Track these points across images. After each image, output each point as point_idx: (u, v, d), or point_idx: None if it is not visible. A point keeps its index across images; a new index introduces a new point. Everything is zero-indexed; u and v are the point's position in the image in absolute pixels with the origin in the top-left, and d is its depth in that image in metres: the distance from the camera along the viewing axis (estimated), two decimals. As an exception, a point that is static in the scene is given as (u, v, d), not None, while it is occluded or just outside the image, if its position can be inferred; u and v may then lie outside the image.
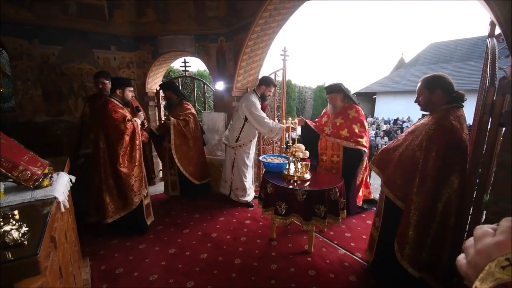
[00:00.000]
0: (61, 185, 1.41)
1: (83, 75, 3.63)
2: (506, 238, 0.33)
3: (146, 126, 3.07)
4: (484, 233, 0.38)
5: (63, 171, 1.68)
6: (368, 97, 18.67)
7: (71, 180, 1.61)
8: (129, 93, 2.74)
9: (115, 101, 2.66)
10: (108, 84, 2.95)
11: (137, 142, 2.68)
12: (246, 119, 3.32)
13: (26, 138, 2.67)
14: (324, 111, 3.34)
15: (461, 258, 0.41)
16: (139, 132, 2.72)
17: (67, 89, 3.55)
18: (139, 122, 2.77)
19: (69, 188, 1.55)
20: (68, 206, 1.40)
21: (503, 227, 0.36)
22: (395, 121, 14.37)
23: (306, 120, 3.30)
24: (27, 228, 0.95)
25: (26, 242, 0.90)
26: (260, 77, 3.87)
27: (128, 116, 2.67)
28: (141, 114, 2.90)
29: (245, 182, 3.50)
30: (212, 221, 3.14)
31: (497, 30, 2.01)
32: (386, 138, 11.21)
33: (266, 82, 3.33)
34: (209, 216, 3.26)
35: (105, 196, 2.58)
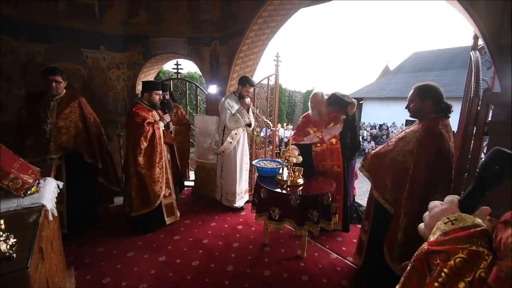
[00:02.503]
0: (49, 192, 1.35)
1: (69, 75, 3.49)
2: (448, 206, 0.56)
3: (171, 128, 3.07)
4: (435, 205, 0.59)
5: (49, 176, 1.61)
6: (355, 103, 19.11)
7: (58, 186, 1.54)
8: (156, 96, 2.86)
9: (142, 105, 2.83)
10: (63, 84, 2.64)
11: (158, 145, 2.78)
12: None
13: (8, 139, 2.56)
14: (303, 120, 3.09)
15: (421, 225, 0.61)
16: (161, 135, 2.82)
17: (52, 89, 3.40)
18: (161, 125, 2.86)
19: (56, 195, 1.48)
20: (56, 214, 1.34)
21: (446, 200, 0.58)
22: (381, 126, 14.78)
23: (300, 143, 2.92)
24: (15, 240, 0.90)
25: (14, 255, 0.85)
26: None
27: (150, 119, 2.78)
28: (166, 116, 2.96)
29: (235, 186, 3.46)
30: (203, 227, 3.09)
31: (480, 43, 2.13)
32: (373, 143, 11.51)
33: (241, 82, 3.26)
34: (200, 222, 3.21)
35: (132, 192, 2.78)
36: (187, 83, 4.40)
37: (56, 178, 2.44)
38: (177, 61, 4.15)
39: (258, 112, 3.52)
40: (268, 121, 3.54)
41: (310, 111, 3.05)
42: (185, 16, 3.65)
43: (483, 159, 0.56)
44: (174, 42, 3.77)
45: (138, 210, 2.79)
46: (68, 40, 3.40)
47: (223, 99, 3.33)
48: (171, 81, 4.33)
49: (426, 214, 0.60)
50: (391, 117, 15.43)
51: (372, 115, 16.59)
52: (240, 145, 3.45)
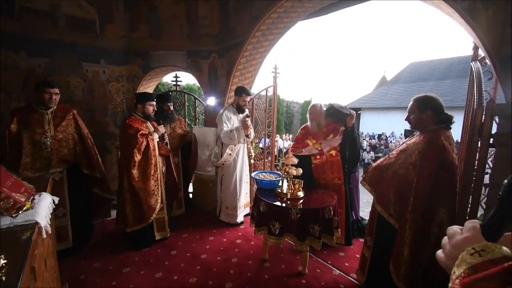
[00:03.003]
0: (44, 208, 1.31)
1: (70, 88, 3.52)
2: (471, 234, 0.50)
3: (166, 140, 3.02)
4: (454, 232, 0.53)
5: (45, 191, 1.57)
6: (354, 113, 19.21)
7: (53, 202, 1.49)
8: (150, 107, 2.82)
9: (137, 117, 2.80)
10: (55, 96, 2.51)
11: (152, 157, 2.71)
12: None
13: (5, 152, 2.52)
14: (302, 132, 3.06)
15: (440, 253, 0.55)
16: (155, 146, 2.76)
17: (52, 102, 3.41)
18: (156, 136, 2.80)
19: (51, 211, 1.43)
20: (50, 232, 1.29)
21: (468, 227, 0.51)
22: (379, 136, 14.79)
23: (298, 154, 2.89)
24: (5, 261, 0.85)
25: (4, 278, 0.80)
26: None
27: (144, 131, 2.73)
28: (161, 128, 2.90)
29: (236, 200, 3.39)
30: (201, 241, 3.01)
31: (480, 54, 2.14)
32: (372, 153, 11.48)
33: (237, 92, 3.28)
34: (198, 236, 3.13)
35: (126, 207, 2.68)
36: (185, 95, 4.42)
37: (58, 191, 2.49)
38: (176, 74, 4.18)
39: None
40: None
41: (308, 123, 3.02)
42: (184, 30, 3.71)
43: (505, 181, 0.52)
44: (173, 55, 3.82)
45: (133, 226, 2.70)
46: (68, 54, 3.44)
47: (221, 111, 3.33)
48: (170, 93, 4.34)
49: (445, 241, 0.55)
50: (389, 127, 15.46)
51: (370, 125, 16.65)
52: (240, 156, 3.41)
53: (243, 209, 3.52)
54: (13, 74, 3.11)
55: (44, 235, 1.22)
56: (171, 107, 3.36)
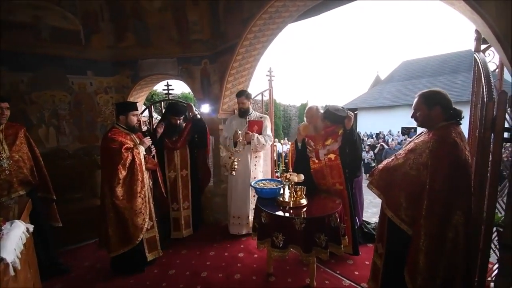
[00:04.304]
0: (12, 240, 1.14)
1: (55, 102, 3.37)
2: None
3: (153, 152, 2.80)
4: None
5: (19, 218, 1.41)
6: (350, 113, 19.24)
7: (28, 230, 1.33)
8: (134, 118, 2.60)
9: (119, 129, 2.57)
10: (7, 111, 2.26)
11: (138, 172, 2.48)
12: None
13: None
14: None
15: None
16: (141, 161, 2.53)
17: (36, 118, 3.25)
18: (141, 149, 2.58)
19: (24, 241, 1.26)
20: (19, 268, 1.12)
21: None
22: (377, 135, 14.72)
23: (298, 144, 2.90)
24: None
25: None
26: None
27: (129, 144, 2.50)
28: (147, 140, 2.67)
29: (247, 209, 3.19)
30: (201, 257, 2.84)
31: (483, 46, 2.04)
32: (371, 153, 11.35)
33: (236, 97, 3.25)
34: (198, 251, 2.95)
35: (108, 229, 2.42)
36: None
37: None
38: (167, 82, 4.05)
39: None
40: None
41: None
42: (174, 36, 3.60)
43: None
44: (163, 63, 3.69)
45: (118, 249, 2.43)
46: (53, 68, 3.31)
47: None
48: (162, 103, 4.22)
49: None
50: (386, 125, 15.48)
51: (368, 125, 16.64)
52: (244, 164, 3.20)
53: (247, 220, 3.26)
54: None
55: (12, 273, 1.05)
56: (179, 121, 3.15)
